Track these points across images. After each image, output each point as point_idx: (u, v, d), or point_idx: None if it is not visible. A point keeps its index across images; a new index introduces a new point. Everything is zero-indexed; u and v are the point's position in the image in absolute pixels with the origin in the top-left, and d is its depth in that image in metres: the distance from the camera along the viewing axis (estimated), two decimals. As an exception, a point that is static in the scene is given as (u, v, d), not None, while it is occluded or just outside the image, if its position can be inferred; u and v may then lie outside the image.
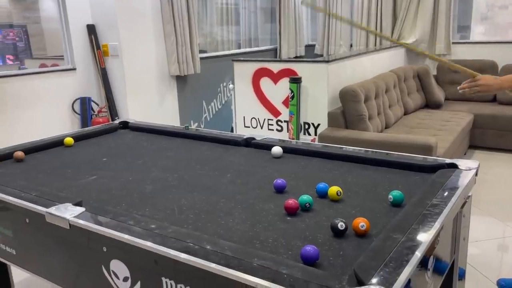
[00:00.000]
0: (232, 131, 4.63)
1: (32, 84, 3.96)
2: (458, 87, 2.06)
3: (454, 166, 1.80)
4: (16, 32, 5.83)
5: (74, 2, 4.21)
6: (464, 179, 1.65)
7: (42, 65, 4.38)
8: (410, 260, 1.05)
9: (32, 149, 2.49)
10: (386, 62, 5.09)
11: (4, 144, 2.55)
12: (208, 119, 5.54)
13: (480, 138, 4.72)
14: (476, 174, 1.73)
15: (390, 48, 5.48)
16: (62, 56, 4.38)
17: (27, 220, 1.73)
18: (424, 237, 1.19)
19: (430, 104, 5.11)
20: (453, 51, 5.84)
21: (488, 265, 2.60)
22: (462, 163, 1.80)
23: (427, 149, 3.10)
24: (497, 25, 5.99)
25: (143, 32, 4.50)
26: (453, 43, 5.86)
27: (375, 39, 6.29)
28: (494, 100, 5.17)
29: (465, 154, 4.49)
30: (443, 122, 4.27)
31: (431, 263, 1.34)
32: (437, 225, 1.26)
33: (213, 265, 1.12)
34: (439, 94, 5.17)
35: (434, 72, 5.59)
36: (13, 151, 2.36)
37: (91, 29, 4.33)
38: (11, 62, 5.54)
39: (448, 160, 1.85)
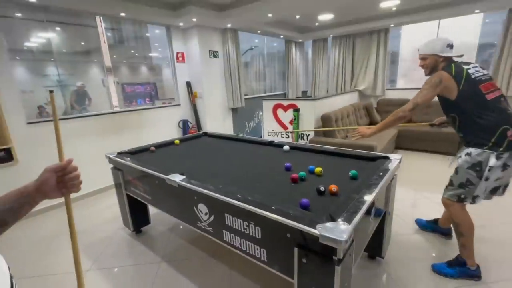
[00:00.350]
0: (261, 137, 4.68)
1: (159, 113, 4.12)
2: (348, 135, 2.10)
3: (387, 157, 1.79)
4: (151, 86, 6.09)
5: (181, 70, 4.35)
6: (392, 165, 1.66)
7: (164, 103, 4.52)
8: (361, 209, 1.11)
9: (158, 146, 2.57)
10: (347, 99, 5.04)
11: (143, 145, 2.63)
12: (248, 131, 5.60)
13: (401, 142, 4.57)
14: (399, 162, 1.73)
15: (349, 92, 5.40)
16: (173, 98, 4.52)
17: (156, 182, 1.80)
18: (369, 196, 1.24)
19: (373, 123, 5.00)
20: (386, 93, 5.67)
21: (406, 213, 2.57)
22: (391, 156, 1.80)
23: (371, 148, 3.07)
24: (413, 79, 5.79)
25: (214, 85, 4.60)
26: (386, 89, 5.70)
27: (342, 87, 6.15)
28: (410, 121, 4.99)
29: (392, 151, 4.38)
30: (379, 134, 4.15)
31: (373, 211, 1.39)
32: (376, 190, 1.30)
33: (250, 207, 1.21)
34: (377, 118, 5.07)
35: (375, 105, 5.47)
36: (149, 147, 2.48)
37: (188, 84, 4.47)
38: (148, 102, 5.78)
39: (383, 154, 1.85)
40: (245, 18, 3.89)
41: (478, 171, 1.58)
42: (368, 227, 1.40)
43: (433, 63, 1.72)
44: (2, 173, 2.68)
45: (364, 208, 1.11)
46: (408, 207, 2.68)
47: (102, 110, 3.62)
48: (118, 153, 2.26)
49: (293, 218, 1.06)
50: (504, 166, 1.54)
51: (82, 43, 5.80)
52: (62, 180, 0.67)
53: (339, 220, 1.02)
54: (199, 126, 4.50)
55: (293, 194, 1.40)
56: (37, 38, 4.23)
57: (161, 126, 4.10)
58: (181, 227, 2.52)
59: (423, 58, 1.76)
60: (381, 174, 1.48)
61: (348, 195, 1.26)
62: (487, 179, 1.56)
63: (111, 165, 2.30)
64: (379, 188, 1.31)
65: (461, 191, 1.68)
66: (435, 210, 2.46)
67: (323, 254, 0.99)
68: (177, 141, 2.69)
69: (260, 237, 1.22)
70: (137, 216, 2.37)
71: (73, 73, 6.15)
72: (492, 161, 1.52)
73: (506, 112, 1.55)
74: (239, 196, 1.29)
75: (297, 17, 4.41)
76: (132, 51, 7.33)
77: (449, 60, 1.70)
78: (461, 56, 1.72)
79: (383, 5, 4.03)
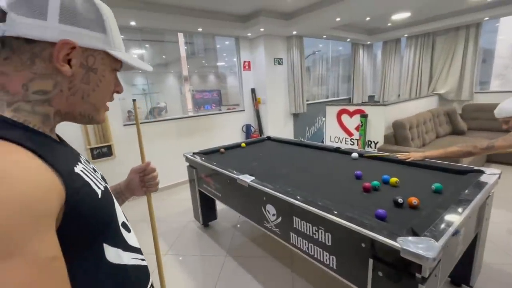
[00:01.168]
0: (322, 143, 4.56)
1: (225, 118, 4.41)
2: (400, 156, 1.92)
3: (481, 172, 1.53)
4: (216, 93, 6.58)
5: (246, 77, 4.61)
6: (489, 180, 1.42)
7: (229, 108, 4.81)
8: (451, 225, 0.99)
9: (227, 148, 2.71)
10: (424, 104, 4.52)
11: (212, 146, 2.82)
12: (309, 136, 5.51)
13: (494, 156, 3.86)
14: (499, 178, 1.47)
15: (426, 96, 4.83)
16: (238, 104, 4.79)
17: (228, 181, 1.91)
18: (460, 213, 1.10)
19: (456, 132, 4.36)
20: (474, 97, 4.87)
21: (502, 239, 2.17)
22: (487, 170, 1.53)
23: (455, 161, 2.68)
24: (509, 80, 4.83)
25: (278, 91, 4.70)
26: (475, 92, 4.89)
27: (417, 92, 5.54)
28: (506, 130, 4.17)
29: (483, 165, 3.72)
30: (466, 143, 3.61)
31: (463, 231, 1.22)
32: (470, 206, 1.15)
33: (323, 213, 1.20)
34: (463, 125, 4.39)
35: (459, 111, 4.75)
36: (219, 149, 2.65)
37: (253, 90, 4.68)
38: (214, 107, 6.24)
39: (475, 167, 1.59)
40: (312, 24, 3.89)
41: None
42: (457, 248, 1.23)
43: None
44: (104, 165, 3.28)
45: (455, 225, 0.99)
46: (504, 231, 2.25)
47: (177, 115, 4.09)
48: (194, 153, 2.52)
49: (370, 228, 1.02)
50: None
51: (164, 56, 6.70)
52: (143, 180, 0.74)
53: (422, 236, 0.94)
54: (261, 131, 4.66)
55: (365, 203, 1.34)
56: (133, 54, 5.09)
57: (227, 129, 4.38)
58: (238, 226, 2.65)
59: (505, 121, 1.76)
60: (475, 189, 1.29)
61: (432, 209, 1.14)
62: None
63: (187, 163, 2.57)
64: (473, 205, 1.14)
65: None
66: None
67: (403, 270, 0.92)
68: (243, 144, 2.84)
69: (330, 244, 1.21)
70: (206, 211, 2.59)
71: (154, 82, 7.14)
72: None
73: None
74: (310, 199, 1.30)
75: (368, 19, 4.18)
76: (203, 62, 8.09)
77: None
78: None
79: (475, -4, 3.50)
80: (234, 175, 1.78)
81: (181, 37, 5.09)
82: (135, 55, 5.10)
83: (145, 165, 0.74)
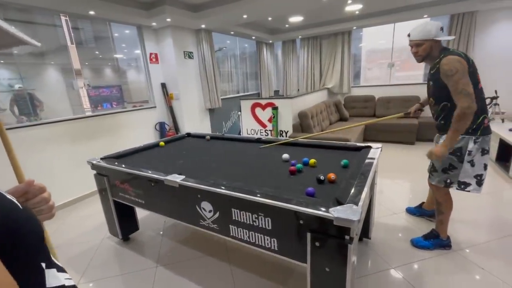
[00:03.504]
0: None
1: (133, 116, 3.92)
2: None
3: (369, 147, 1.88)
4: (116, 89, 5.69)
5: (154, 71, 4.19)
6: (376, 153, 1.75)
7: (135, 106, 4.27)
8: (363, 192, 1.19)
9: (143, 149, 2.47)
10: (318, 97, 5.27)
11: (122, 149, 2.49)
12: (226, 131, 5.57)
13: (368, 135, 4.89)
14: (381, 151, 1.82)
15: (319, 90, 5.65)
16: (146, 100, 4.31)
17: (152, 184, 1.73)
18: (366, 181, 1.32)
19: (342, 119, 5.30)
20: (351, 90, 6.03)
21: (384, 198, 2.78)
22: (374, 145, 1.89)
23: (346, 141, 3.24)
24: (370, 77, 6.25)
25: (191, 86, 4.51)
26: (351, 86, 6.06)
27: (311, 86, 6.41)
28: (374, 115, 5.39)
29: (362, 143, 4.66)
30: (351, 127, 4.41)
31: (368, 195, 1.47)
32: (371, 174, 1.39)
33: (264, 199, 1.23)
34: (346, 113, 5.37)
35: (343, 102, 5.78)
36: (136, 150, 2.36)
37: (163, 85, 4.32)
38: (115, 105, 5.38)
39: (365, 144, 1.94)
40: (220, 18, 3.87)
41: (459, 156, 1.68)
42: (364, 211, 1.51)
43: (428, 49, 1.65)
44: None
45: (366, 191, 1.21)
46: (383, 192, 2.91)
47: (67, 115, 3.32)
48: (102, 158, 2.12)
49: (306, 205, 1.11)
50: (483, 151, 1.65)
51: (39, 44, 5.24)
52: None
53: (346, 204, 1.10)
54: (176, 128, 4.37)
55: (294, 184, 1.45)
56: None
57: (137, 129, 3.91)
58: (161, 233, 2.45)
59: (417, 44, 1.66)
60: (369, 161, 1.60)
61: (346, 181, 1.35)
62: (473, 164, 1.66)
63: (94, 171, 2.15)
64: (371, 173, 1.42)
65: (446, 176, 1.76)
66: (405, 194, 2.71)
67: (336, 236, 1.06)
68: (162, 143, 2.60)
69: (270, 228, 1.26)
70: (125, 223, 2.25)
71: (27, 77, 5.53)
72: (471, 145, 1.63)
73: (485, 101, 1.66)
74: (246, 189, 1.31)
75: (270, 18, 4.51)
76: (96, 52, 6.82)
77: (440, 44, 1.65)
78: (453, 38, 1.80)
79: (348, 8, 4.31)
80: (161, 177, 1.61)
81: (64, 21, 4.10)
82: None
83: (26, 185, 0.52)
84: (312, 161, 1.70)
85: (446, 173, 1.76)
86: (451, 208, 1.89)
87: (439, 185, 1.82)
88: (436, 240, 1.93)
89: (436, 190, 1.88)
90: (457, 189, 1.76)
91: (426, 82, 1.81)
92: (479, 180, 1.70)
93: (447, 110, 1.67)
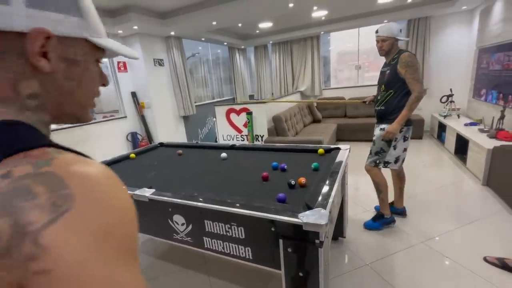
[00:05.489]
0: (216, 142, 4.63)
1: (103, 127, 3.74)
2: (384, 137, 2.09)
3: (338, 148, 1.93)
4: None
5: (124, 80, 4.03)
6: (345, 154, 1.80)
7: (105, 116, 4.08)
8: (331, 195, 1.21)
9: (112, 162, 2.34)
10: (292, 99, 5.35)
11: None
12: (202, 137, 5.49)
13: (341, 135, 5.05)
14: (349, 151, 1.88)
15: (292, 94, 5.76)
16: (116, 110, 4.14)
17: None
18: (335, 183, 1.34)
19: (315, 120, 5.44)
20: (323, 92, 6.22)
21: (356, 196, 2.88)
22: (342, 146, 1.94)
23: (319, 142, 3.33)
24: (341, 79, 6.49)
25: (163, 94, 4.39)
26: (323, 89, 6.25)
27: (285, 90, 6.51)
28: (345, 116, 5.60)
29: (334, 143, 4.81)
30: (323, 129, 4.57)
31: (337, 196, 1.50)
32: (340, 176, 1.42)
33: (234, 209, 1.21)
34: (319, 115, 5.52)
35: (315, 104, 5.94)
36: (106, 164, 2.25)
37: (133, 94, 4.16)
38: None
39: (335, 146, 1.99)
40: (189, 25, 3.83)
41: (389, 142, 2.06)
42: (335, 212, 1.54)
43: (390, 45, 1.96)
44: None
45: (334, 193, 1.23)
46: (354, 190, 3.01)
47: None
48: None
49: (276, 212, 1.11)
50: (404, 138, 2.07)
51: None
52: None
53: (315, 208, 1.11)
54: (150, 138, 4.22)
55: (266, 191, 1.45)
56: None
57: (107, 140, 3.73)
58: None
59: (383, 39, 1.96)
60: (338, 163, 1.64)
61: (316, 184, 1.37)
62: (395, 148, 2.08)
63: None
64: (340, 175, 1.46)
65: (376, 158, 2.13)
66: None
67: (307, 240, 1.06)
68: (132, 155, 2.48)
69: (244, 237, 1.24)
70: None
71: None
72: (398, 134, 2.02)
73: None
74: (217, 199, 1.28)
75: (240, 25, 4.53)
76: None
77: (397, 44, 1.99)
78: (408, 39, 2.14)
79: (314, 15, 4.45)
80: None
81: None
82: None
83: None
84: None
85: (378, 155, 2.13)
86: (386, 186, 2.18)
87: (370, 165, 2.17)
88: (383, 220, 2.20)
89: (369, 171, 2.19)
90: (382, 167, 2.16)
91: (380, 73, 2.13)
92: (396, 160, 2.14)
93: (391, 98, 2.01)
